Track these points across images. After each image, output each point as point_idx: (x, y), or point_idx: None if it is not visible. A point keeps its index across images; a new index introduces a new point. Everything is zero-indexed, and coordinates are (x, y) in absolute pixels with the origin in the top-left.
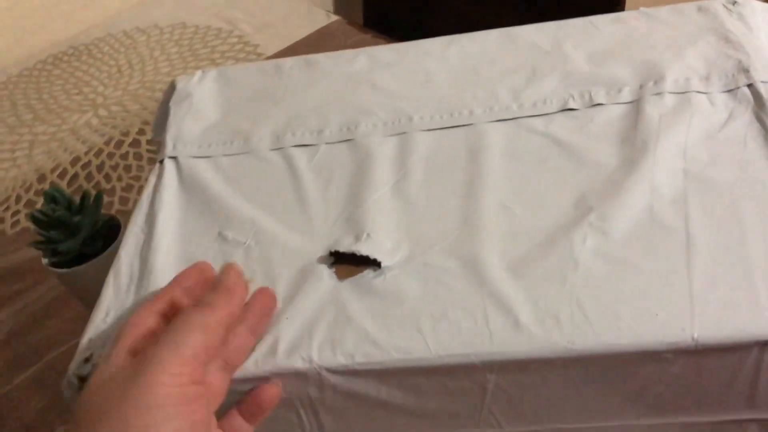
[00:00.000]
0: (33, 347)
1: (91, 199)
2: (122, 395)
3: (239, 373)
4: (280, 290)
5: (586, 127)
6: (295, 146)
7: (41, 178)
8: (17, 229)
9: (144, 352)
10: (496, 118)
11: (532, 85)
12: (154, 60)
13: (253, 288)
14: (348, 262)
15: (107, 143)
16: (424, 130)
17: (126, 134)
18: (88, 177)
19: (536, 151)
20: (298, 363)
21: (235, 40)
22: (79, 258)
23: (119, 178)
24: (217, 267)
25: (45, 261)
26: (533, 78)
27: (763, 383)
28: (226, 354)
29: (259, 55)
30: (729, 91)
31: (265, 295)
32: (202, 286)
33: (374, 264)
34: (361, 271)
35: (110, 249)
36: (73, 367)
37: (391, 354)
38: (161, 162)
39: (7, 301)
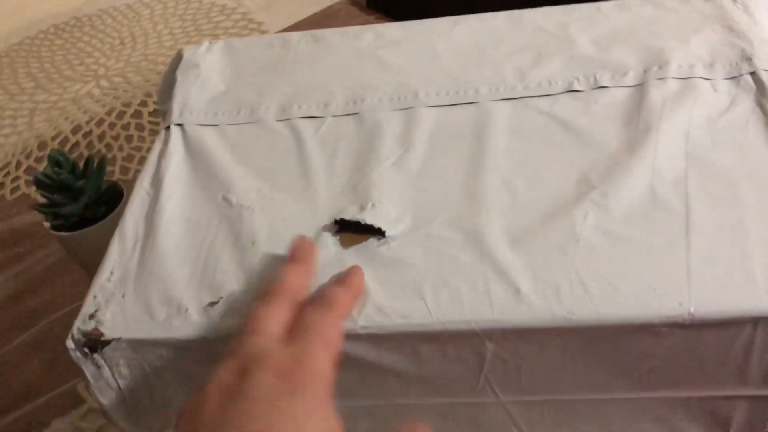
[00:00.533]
0: (32, 310)
1: (95, 163)
2: None
3: None
4: (285, 256)
5: (591, 109)
6: (301, 118)
7: (42, 145)
8: (17, 194)
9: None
10: (501, 97)
11: (537, 66)
12: (157, 33)
13: None
14: (352, 231)
15: (109, 113)
16: (430, 106)
17: (128, 105)
18: (89, 146)
19: (540, 129)
20: None
21: (239, 16)
22: (81, 222)
23: (120, 148)
24: (221, 229)
25: (47, 224)
26: (539, 60)
27: (754, 360)
28: None
29: (263, 32)
30: (732, 78)
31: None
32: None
33: (378, 233)
34: (366, 240)
35: (113, 214)
36: (78, 322)
37: (393, 319)
38: (167, 129)
39: (6, 265)
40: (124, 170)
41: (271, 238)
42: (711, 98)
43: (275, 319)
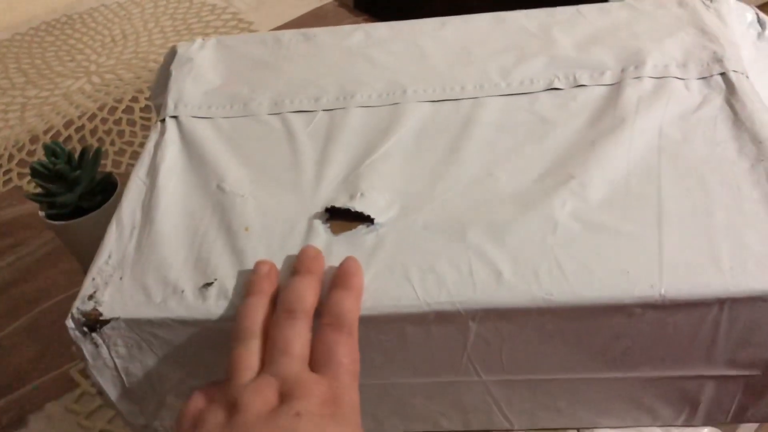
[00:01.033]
0: (26, 298)
1: (90, 154)
2: None
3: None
4: (277, 242)
5: (569, 105)
6: (293, 112)
7: (34, 139)
8: (9, 186)
9: None
10: (486, 94)
11: (520, 65)
12: (148, 32)
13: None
14: (342, 218)
15: (101, 109)
16: (418, 102)
17: (119, 101)
18: (82, 140)
19: (522, 124)
20: None
21: (229, 16)
22: (76, 212)
23: (112, 143)
24: (216, 216)
25: (42, 213)
26: (522, 59)
27: (721, 340)
28: None
29: (253, 32)
30: (703, 78)
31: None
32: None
33: (368, 220)
34: (355, 227)
35: (107, 204)
36: (77, 303)
37: (381, 301)
38: (162, 121)
39: None
40: (116, 164)
41: (264, 224)
42: (684, 96)
43: (300, 342)
